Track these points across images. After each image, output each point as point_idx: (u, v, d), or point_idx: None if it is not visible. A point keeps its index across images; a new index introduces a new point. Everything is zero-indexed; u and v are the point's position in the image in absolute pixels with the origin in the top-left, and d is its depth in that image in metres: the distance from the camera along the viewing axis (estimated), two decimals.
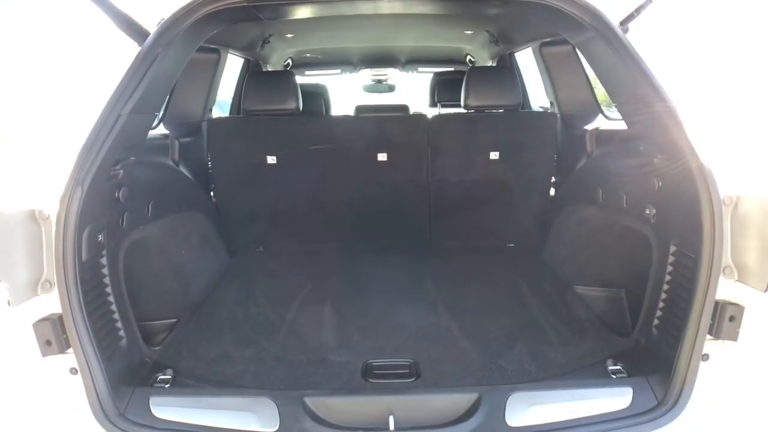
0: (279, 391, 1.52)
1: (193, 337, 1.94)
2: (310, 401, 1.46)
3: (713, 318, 1.41)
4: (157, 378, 1.59)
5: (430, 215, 2.96)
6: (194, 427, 1.40)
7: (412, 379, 1.60)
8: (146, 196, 1.91)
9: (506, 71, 2.88)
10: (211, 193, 2.88)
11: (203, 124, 2.89)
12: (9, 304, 1.37)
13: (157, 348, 1.81)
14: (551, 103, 3.24)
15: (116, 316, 1.61)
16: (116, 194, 1.66)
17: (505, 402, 1.42)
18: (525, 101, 3.55)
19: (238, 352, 1.80)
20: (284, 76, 2.84)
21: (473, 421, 1.38)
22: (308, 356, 1.76)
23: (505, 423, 1.38)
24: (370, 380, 1.61)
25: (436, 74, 4.47)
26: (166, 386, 1.56)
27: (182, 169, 2.60)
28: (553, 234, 2.61)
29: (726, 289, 1.42)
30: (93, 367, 1.43)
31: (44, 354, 1.41)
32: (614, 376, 1.55)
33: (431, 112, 3.55)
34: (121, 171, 1.66)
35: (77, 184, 1.42)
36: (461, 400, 1.45)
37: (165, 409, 1.46)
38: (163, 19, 1.63)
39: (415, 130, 2.83)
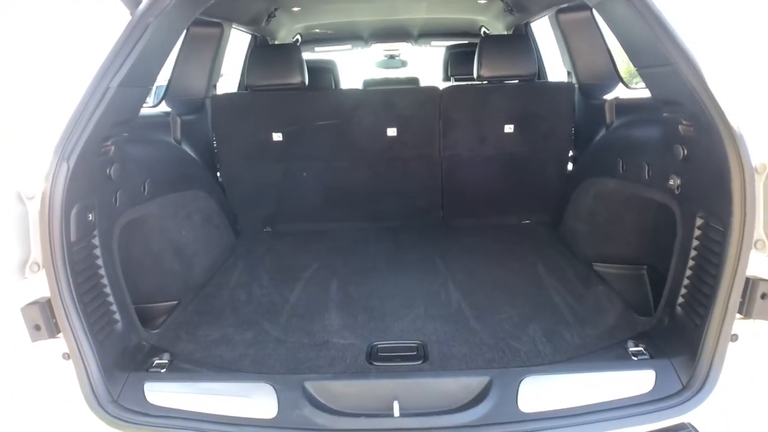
0: (278, 375, 1.45)
1: (193, 319, 1.88)
2: (310, 385, 1.39)
3: (743, 296, 1.29)
4: (153, 362, 1.54)
5: (443, 192, 2.85)
6: (189, 413, 1.35)
7: (419, 362, 1.52)
8: (142, 173, 1.84)
9: (521, 39, 2.74)
10: (217, 173, 2.82)
11: (207, 101, 2.81)
12: None
13: (156, 331, 1.76)
14: (568, 73, 3.08)
15: (110, 298, 1.55)
16: (107, 171, 1.59)
17: (518, 386, 1.33)
18: (541, 72, 3.39)
19: (238, 335, 1.74)
20: (289, 49, 2.73)
21: (483, 407, 1.30)
22: (311, 339, 1.69)
23: (518, 408, 1.29)
24: (375, 363, 1.53)
25: (450, 47, 4.31)
26: (162, 371, 1.51)
27: (185, 147, 2.53)
28: (570, 209, 2.49)
29: (757, 265, 1.30)
30: (85, 352, 1.38)
31: (34, 339, 1.37)
32: (635, 358, 1.45)
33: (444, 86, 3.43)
34: (113, 147, 1.59)
35: (62, 159, 1.35)
36: (471, 383, 1.37)
37: (160, 394, 1.40)
38: None
39: (426, 103, 2.71)
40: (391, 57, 5.19)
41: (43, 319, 1.36)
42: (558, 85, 2.99)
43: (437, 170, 2.82)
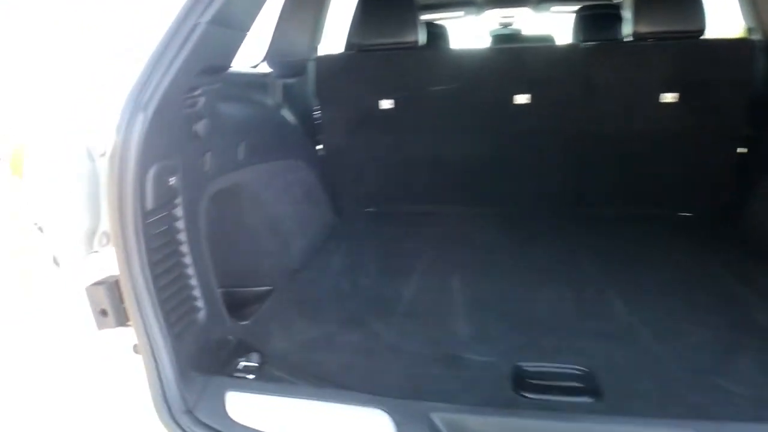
0: (397, 399, 1.09)
1: (290, 311, 1.59)
2: (438, 419, 1.02)
3: None
4: (239, 364, 1.25)
5: (580, 174, 2.36)
6: None
7: (589, 399, 1.10)
8: (238, 135, 1.56)
9: None
10: (318, 144, 2.53)
11: (309, 63, 2.52)
12: (55, 262, 1.09)
13: (245, 323, 1.48)
14: (749, 30, 2.43)
15: (193, 281, 1.28)
16: (194, 128, 1.30)
17: None
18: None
19: (342, 336, 1.42)
20: (401, 2, 2.35)
21: None
22: (435, 350, 1.32)
23: None
24: (526, 395, 1.13)
25: (582, 9, 3.72)
26: (250, 377, 1.21)
27: (285, 113, 2.26)
28: (758, 202, 1.91)
29: None
30: (157, 347, 1.11)
31: (100, 326, 1.12)
32: None
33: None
34: (202, 98, 1.31)
35: (137, 109, 1.07)
36: None
37: (245, 409, 1.10)
38: None
39: (563, 65, 2.23)
40: (507, 26, 4.67)
41: (111, 303, 1.10)
42: (732, 44, 2.35)
43: (575, 148, 2.32)
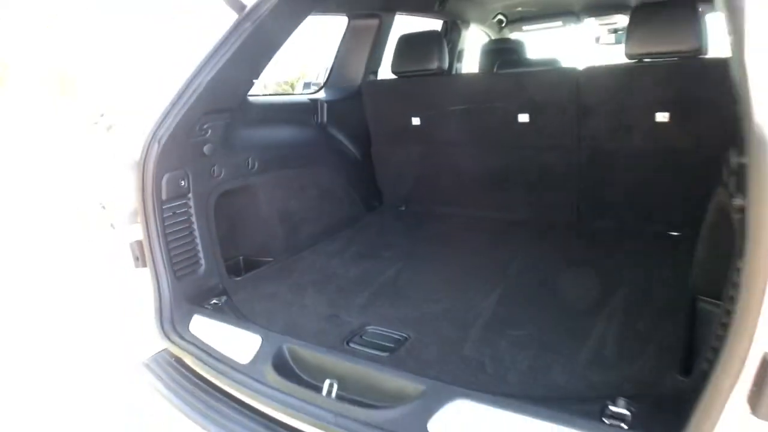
0: (274, 333, 1.65)
1: (270, 274, 2.22)
2: (286, 347, 1.55)
3: (756, 382, 0.88)
4: (212, 300, 1.94)
5: (579, 187, 2.51)
6: (203, 344, 1.68)
7: (385, 354, 1.51)
8: (245, 152, 2.24)
9: (682, 3, 2.13)
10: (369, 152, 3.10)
11: (362, 88, 3.10)
12: (112, 227, 1.89)
13: (238, 278, 2.16)
14: None
15: (198, 247, 1.99)
16: (202, 149, 2.02)
17: (442, 405, 1.23)
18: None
19: (283, 296, 2.00)
20: (428, 35, 2.77)
21: (396, 412, 1.25)
22: (329, 310, 1.84)
23: (426, 426, 1.20)
24: (350, 344, 1.59)
25: None
26: (209, 308, 1.89)
27: (333, 129, 2.90)
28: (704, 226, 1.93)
29: None
30: (161, 282, 1.85)
31: (135, 266, 1.90)
32: (605, 420, 1.13)
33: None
34: (209, 130, 2.01)
35: (154, 140, 1.81)
36: (405, 387, 1.32)
37: (198, 326, 1.78)
38: None
39: (560, 86, 2.41)
40: (615, 31, 4.56)
41: (140, 253, 1.87)
42: (723, 62, 2.22)
43: (574, 162, 2.48)
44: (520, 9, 4.21)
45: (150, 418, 2.04)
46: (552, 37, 4.74)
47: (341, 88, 3.08)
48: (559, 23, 4.41)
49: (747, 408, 0.90)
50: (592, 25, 4.48)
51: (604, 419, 1.14)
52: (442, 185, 2.90)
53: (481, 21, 4.23)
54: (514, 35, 4.62)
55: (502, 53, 3.86)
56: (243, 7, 1.97)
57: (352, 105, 3.04)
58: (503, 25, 4.43)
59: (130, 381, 1.77)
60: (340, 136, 2.94)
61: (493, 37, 4.48)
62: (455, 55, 4.07)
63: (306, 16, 2.22)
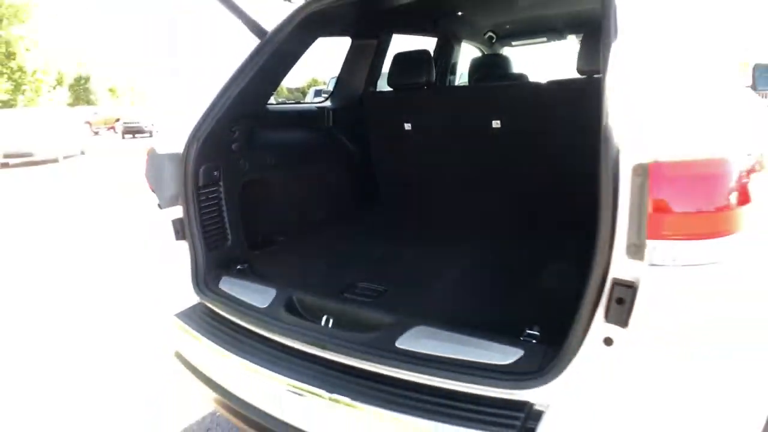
0: (286, 287, 2.12)
1: (283, 250, 2.74)
2: (295, 296, 2.04)
3: (609, 300, 1.33)
4: (236, 267, 2.42)
5: (533, 196, 2.96)
6: (229, 296, 2.16)
7: (369, 300, 2.00)
8: (264, 150, 2.73)
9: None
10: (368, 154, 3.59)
11: (363, 98, 3.59)
12: (159, 207, 2.39)
13: (256, 252, 2.65)
14: None
15: (226, 224, 2.48)
16: (232, 146, 2.51)
17: (406, 330, 1.69)
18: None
19: (294, 263, 2.49)
20: (419, 54, 3.26)
21: (372, 335, 1.72)
22: (328, 272, 2.35)
23: (394, 344, 1.67)
24: (344, 294, 2.09)
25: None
26: (235, 272, 2.37)
27: (338, 132, 3.40)
28: None
29: (624, 269, 1.32)
30: (197, 251, 2.33)
31: (177, 239, 2.39)
32: (521, 338, 1.60)
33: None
34: (237, 131, 2.51)
35: (194, 139, 2.30)
36: (381, 320, 1.79)
37: (226, 284, 2.26)
38: None
39: (522, 98, 2.88)
40: None
41: (180, 228, 2.36)
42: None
43: (532, 173, 2.94)
44: (508, 27, 4.69)
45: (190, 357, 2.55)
46: (548, 52, 5.22)
47: (345, 98, 3.57)
48: (544, 39, 4.89)
49: (603, 316, 1.36)
50: (575, 41, 4.93)
51: (521, 338, 1.61)
52: (430, 181, 3.38)
53: (473, 38, 4.71)
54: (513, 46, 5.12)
55: (482, 67, 4.32)
56: (264, 33, 2.48)
57: (354, 112, 3.53)
58: (494, 41, 4.91)
59: (173, 327, 2.25)
60: (344, 139, 3.43)
61: (486, 52, 4.97)
62: (449, 68, 4.56)
63: (315, 39, 2.72)
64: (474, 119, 3.06)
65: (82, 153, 21.97)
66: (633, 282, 1.26)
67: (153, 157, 2.34)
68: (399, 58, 3.29)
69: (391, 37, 3.64)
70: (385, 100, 3.45)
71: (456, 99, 3.23)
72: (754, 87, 3.85)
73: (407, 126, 3.33)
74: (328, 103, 3.50)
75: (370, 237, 2.82)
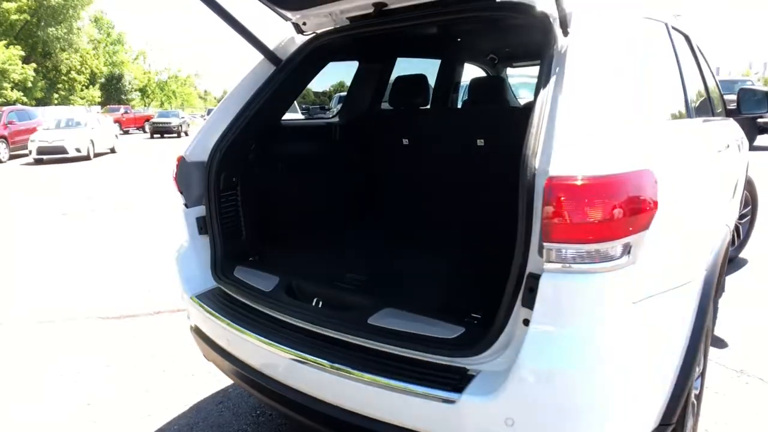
0: (287, 275, 2.57)
1: (291, 243, 3.18)
2: (294, 283, 2.48)
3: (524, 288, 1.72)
4: (250, 257, 2.88)
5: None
6: (240, 282, 2.61)
7: (352, 287, 2.45)
8: (275, 160, 3.20)
9: None
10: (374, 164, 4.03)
11: (367, 115, 4.04)
12: (186, 206, 2.86)
13: (267, 246, 3.10)
14: None
15: (242, 222, 2.94)
16: (249, 156, 2.98)
17: (377, 310, 2.12)
18: None
19: (297, 256, 2.94)
20: (417, 78, 3.70)
21: (350, 313, 2.15)
22: (324, 265, 2.79)
23: (366, 321, 2.10)
24: (334, 283, 2.52)
25: None
26: (247, 262, 2.83)
27: (344, 145, 3.85)
28: None
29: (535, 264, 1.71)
30: (217, 244, 2.79)
31: (199, 233, 2.85)
32: (465, 319, 2.01)
33: None
34: (253, 144, 2.97)
35: (217, 150, 2.76)
36: (359, 302, 2.23)
37: (240, 272, 2.72)
38: None
39: (499, 121, 3.30)
40: None
41: (203, 224, 2.82)
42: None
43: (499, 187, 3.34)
44: (507, 49, 5.08)
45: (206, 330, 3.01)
46: None
47: (352, 114, 4.03)
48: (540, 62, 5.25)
49: (520, 302, 1.77)
50: None
51: (465, 319, 2.03)
52: (419, 190, 3.81)
53: (474, 60, 5.12)
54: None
55: (477, 88, 4.71)
56: (279, 61, 2.94)
57: (360, 128, 3.98)
58: (496, 62, 5.31)
59: (192, 306, 2.72)
60: (348, 152, 3.88)
61: (490, 73, 5.36)
62: (451, 88, 4.97)
63: (325, 65, 3.18)
64: (462, 137, 3.48)
65: (113, 151, 22.95)
66: (539, 275, 1.66)
67: (182, 165, 2.81)
68: (399, 81, 3.73)
69: (395, 61, 4.09)
70: (388, 118, 3.90)
71: (447, 119, 3.66)
72: (738, 111, 4.18)
73: (405, 141, 3.77)
74: (336, 119, 3.96)
75: (361, 236, 3.26)
